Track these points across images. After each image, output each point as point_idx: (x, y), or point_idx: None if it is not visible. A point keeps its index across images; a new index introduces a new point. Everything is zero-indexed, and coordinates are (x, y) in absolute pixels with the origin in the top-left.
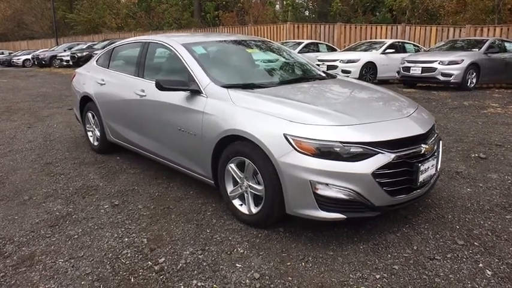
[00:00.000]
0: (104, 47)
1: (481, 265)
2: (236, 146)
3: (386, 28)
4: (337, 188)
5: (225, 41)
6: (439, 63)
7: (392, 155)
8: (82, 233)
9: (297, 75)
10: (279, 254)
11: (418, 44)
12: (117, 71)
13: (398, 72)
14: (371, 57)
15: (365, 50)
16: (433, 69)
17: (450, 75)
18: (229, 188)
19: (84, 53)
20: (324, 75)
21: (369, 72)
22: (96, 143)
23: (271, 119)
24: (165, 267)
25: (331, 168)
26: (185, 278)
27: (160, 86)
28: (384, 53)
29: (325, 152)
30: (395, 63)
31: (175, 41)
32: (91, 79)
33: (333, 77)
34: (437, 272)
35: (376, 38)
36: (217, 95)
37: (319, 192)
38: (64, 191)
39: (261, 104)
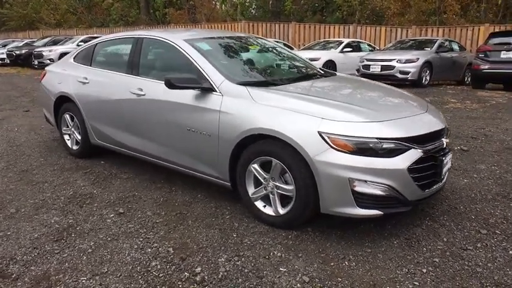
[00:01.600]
0: (45, 44)
1: (511, 252)
2: (261, 145)
3: (339, 28)
4: (375, 184)
5: (224, 37)
6: (397, 61)
7: (422, 150)
8: (96, 246)
9: (303, 73)
10: (318, 255)
11: (371, 44)
12: (103, 68)
13: (358, 70)
14: (331, 56)
15: (322, 49)
16: (392, 67)
17: (407, 72)
18: (251, 189)
19: (23, 51)
20: (322, 72)
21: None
22: (75, 147)
23: (302, 117)
24: (206, 278)
25: (369, 164)
26: (231, 287)
27: (170, 84)
28: (342, 51)
29: (362, 148)
30: (353, 61)
31: (176, 37)
32: (69, 78)
33: (332, 74)
34: (475, 262)
35: (329, 37)
36: (234, 93)
37: (356, 189)
38: (55, 201)
39: (286, 102)
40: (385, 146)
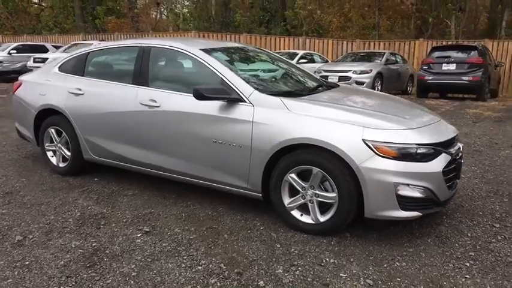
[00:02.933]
0: None
1: None
2: (300, 155)
3: (289, 40)
4: (416, 187)
5: (232, 47)
6: (352, 72)
7: (449, 154)
8: (139, 269)
9: (317, 83)
10: (367, 258)
11: (323, 56)
12: (101, 79)
13: None
14: None
15: None
16: (348, 78)
17: (363, 83)
18: (286, 199)
19: None
20: (327, 82)
21: None
22: (62, 164)
23: (344, 126)
24: None
25: (411, 169)
26: None
27: (200, 95)
28: (298, 63)
29: (404, 154)
30: None
31: (192, 46)
32: (57, 89)
33: (336, 84)
34: (505, 253)
35: (279, 49)
36: (267, 103)
37: (400, 193)
38: (64, 224)
39: (323, 112)
40: (422, 151)
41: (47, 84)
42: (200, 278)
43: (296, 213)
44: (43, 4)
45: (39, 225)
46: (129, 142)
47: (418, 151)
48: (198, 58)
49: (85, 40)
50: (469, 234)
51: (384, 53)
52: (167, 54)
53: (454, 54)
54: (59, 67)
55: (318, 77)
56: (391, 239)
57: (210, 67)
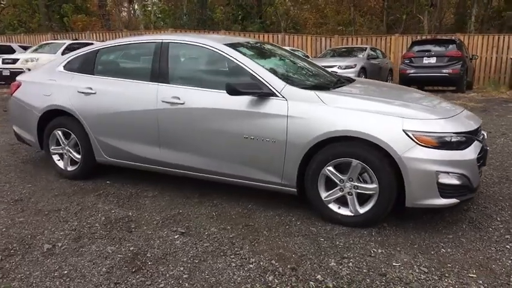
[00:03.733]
0: None
1: None
2: (338, 147)
3: (268, 37)
4: (455, 174)
5: (249, 42)
6: (338, 67)
7: (480, 141)
8: (189, 271)
9: (335, 77)
10: (412, 246)
11: (304, 52)
12: (114, 77)
13: None
14: None
15: None
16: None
17: None
18: (323, 193)
19: None
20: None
21: None
22: (70, 168)
23: (383, 117)
24: (335, 283)
25: (450, 157)
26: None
27: (234, 91)
28: None
29: (443, 143)
30: None
31: (215, 41)
32: (65, 89)
33: (352, 78)
34: None
35: None
36: (301, 97)
37: (440, 181)
38: (92, 229)
39: (359, 104)
40: (458, 139)
41: (51, 84)
42: (256, 276)
43: (333, 206)
44: (2, 3)
45: (65, 232)
46: (148, 141)
47: (454, 139)
48: (224, 53)
49: (55, 39)
50: (498, 219)
51: (366, 48)
52: (189, 50)
53: (433, 48)
54: (64, 66)
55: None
56: (428, 227)
57: (238, 62)
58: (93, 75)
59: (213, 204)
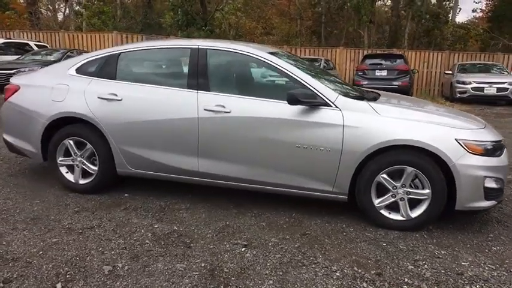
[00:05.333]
0: None
1: None
2: (393, 155)
3: None
4: (495, 179)
5: (281, 52)
6: None
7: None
8: (280, 283)
9: (359, 90)
10: (465, 246)
11: None
12: (141, 83)
13: None
14: None
15: None
16: None
17: None
18: (375, 199)
19: None
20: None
21: None
22: (83, 181)
23: (437, 127)
24: (425, 286)
25: (493, 163)
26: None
27: (295, 100)
28: None
29: (487, 150)
30: None
31: (259, 50)
32: (81, 94)
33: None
34: None
35: None
36: (355, 107)
37: (486, 185)
38: (144, 246)
39: (409, 114)
40: (495, 147)
41: (62, 88)
42: (350, 284)
43: (385, 212)
44: None
45: (115, 251)
46: (185, 151)
47: (493, 147)
48: (270, 62)
49: None
50: None
51: (321, 59)
52: (230, 57)
53: (384, 62)
54: (77, 69)
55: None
56: (468, 228)
57: (286, 71)
58: (115, 80)
59: (255, 215)
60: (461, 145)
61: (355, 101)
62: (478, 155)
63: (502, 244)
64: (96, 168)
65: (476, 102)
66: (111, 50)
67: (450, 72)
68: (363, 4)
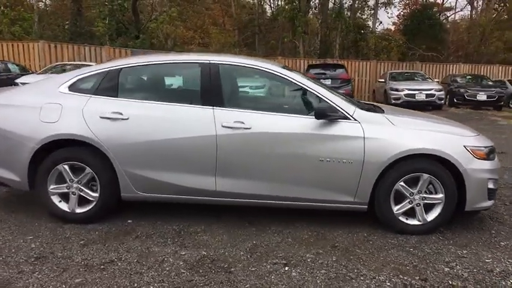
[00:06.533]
0: None
1: None
2: (411, 164)
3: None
4: (494, 180)
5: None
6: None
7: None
8: None
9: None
10: (478, 244)
11: None
12: (148, 100)
13: None
14: None
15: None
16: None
17: None
18: (394, 206)
19: None
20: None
21: None
22: (81, 210)
23: (447, 136)
24: (471, 286)
25: (493, 166)
26: None
27: (323, 115)
28: None
29: (487, 154)
30: None
31: (273, 65)
32: (78, 113)
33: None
34: None
35: None
36: (372, 119)
37: (489, 186)
38: (182, 276)
39: (422, 124)
40: (491, 151)
41: (54, 108)
42: None
43: (403, 218)
44: None
45: (154, 285)
46: (201, 170)
47: (489, 151)
48: (286, 77)
49: None
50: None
51: None
52: (243, 72)
53: (327, 71)
54: (70, 86)
55: None
56: (470, 227)
57: (304, 86)
58: (118, 97)
59: (276, 231)
60: (469, 151)
61: (372, 113)
62: (481, 159)
63: (506, 239)
64: (96, 194)
65: (408, 107)
66: (109, 65)
67: (382, 80)
68: (297, 15)
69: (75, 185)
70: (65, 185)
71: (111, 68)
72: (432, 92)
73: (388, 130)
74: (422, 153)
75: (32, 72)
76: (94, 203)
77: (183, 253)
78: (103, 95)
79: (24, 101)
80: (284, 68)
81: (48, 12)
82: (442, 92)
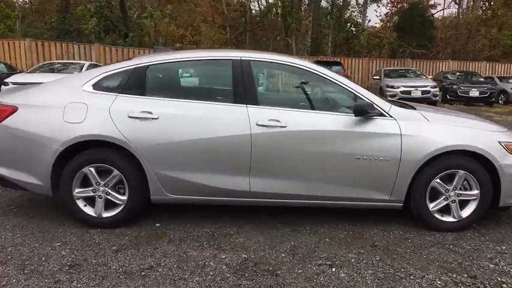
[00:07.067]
0: None
1: None
2: (447, 160)
3: (150, 52)
4: None
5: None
6: None
7: None
8: None
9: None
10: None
11: None
12: (178, 98)
13: None
14: None
15: (60, 71)
16: None
17: None
18: (430, 204)
19: None
20: None
21: None
22: (107, 214)
23: (482, 132)
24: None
25: None
26: None
27: (363, 112)
28: None
29: None
30: None
31: (305, 61)
32: (105, 113)
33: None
34: None
35: None
36: (408, 116)
37: None
38: (229, 281)
39: (455, 121)
40: None
41: (79, 107)
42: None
43: (438, 215)
44: None
45: None
46: (235, 170)
47: None
48: (319, 74)
49: None
50: None
51: None
52: (275, 69)
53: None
54: (94, 85)
55: None
56: (504, 222)
57: (341, 84)
58: (145, 96)
59: (311, 231)
60: (503, 147)
61: (407, 110)
62: None
63: None
64: (124, 197)
65: None
66: (134, 62)
67: (377, 77)
68: (290, 12)
69: (101, 188)
70: (90, 188)
71: (138, 66)
72: (428, 88)
73: (424, 127)
74: (458, 150)
75: (21, 71)
76: (122, 206)
77: (223, 257)
78: (130, 94)
79: (45, 101)
80: (315, 65)
81: (32, 9)
82: (437, 89)
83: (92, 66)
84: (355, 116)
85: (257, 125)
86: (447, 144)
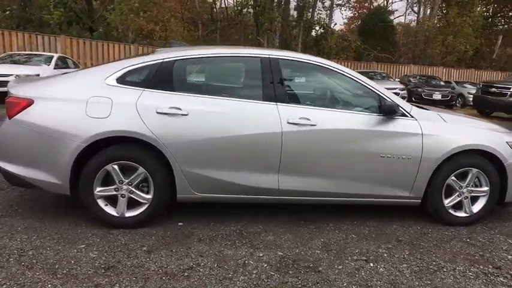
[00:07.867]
0: None
1: None
2: (462, 159)
3: (119, 47)
4: None
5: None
6: None
7: None
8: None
9: None
10: None
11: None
12: (207, 94)
13: None
14: (44, 72)
15: (25, 63)
16: None
17: None
18: (445, 200)
19: None
20: None
21: None
22: (131, 213)
23: (492, 133)
24: None
25: None
26: None
27: (392, 111)
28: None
29: None
30: None
31: (330, 61)
32: (132, 108)
33: None
34: None
35: (109, 57)
36: (427, 116)
37: None
38: (275, 279)
39: (467, 122)
40: None
41: (103, 102)
42: (489, 281)
43: (452, 211)
44: None
45: None
46: (264, 168)
47: None
48: (346, 74)
49: None
50: None
51: None
52: (304, 68)
53: None
54: (118, 79)
55: None
56: (500, 216)
57: (364, 84)
58: (174, 91)
59: (335, 228)
60: (510, 147)
61: (426, 110)
62: None
63: None
64: (149, 196)
65: None
66: (160, 56)
67: None
68: (262, 12)
69: (125, 187)
70: (113, 186)
71: (164, 60)
72: (397, 91)
73: (442, 127)
74: (473, 149)
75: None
76: (147, 205)
77: (261, 255)
78: (157, 89)
79: (64, 94)
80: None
81: None
82: (405, 91)
83: (61, 59)
84: (383, 115)
85: (288, 123)
86: (464, 144)
